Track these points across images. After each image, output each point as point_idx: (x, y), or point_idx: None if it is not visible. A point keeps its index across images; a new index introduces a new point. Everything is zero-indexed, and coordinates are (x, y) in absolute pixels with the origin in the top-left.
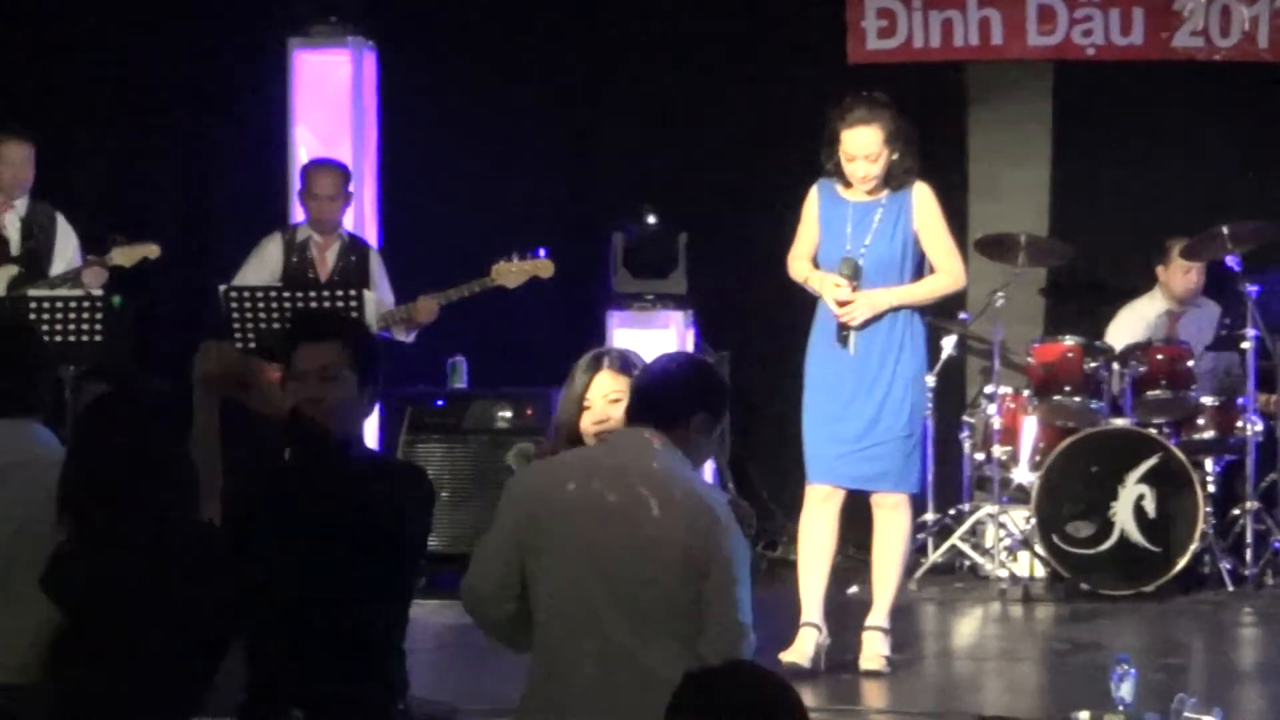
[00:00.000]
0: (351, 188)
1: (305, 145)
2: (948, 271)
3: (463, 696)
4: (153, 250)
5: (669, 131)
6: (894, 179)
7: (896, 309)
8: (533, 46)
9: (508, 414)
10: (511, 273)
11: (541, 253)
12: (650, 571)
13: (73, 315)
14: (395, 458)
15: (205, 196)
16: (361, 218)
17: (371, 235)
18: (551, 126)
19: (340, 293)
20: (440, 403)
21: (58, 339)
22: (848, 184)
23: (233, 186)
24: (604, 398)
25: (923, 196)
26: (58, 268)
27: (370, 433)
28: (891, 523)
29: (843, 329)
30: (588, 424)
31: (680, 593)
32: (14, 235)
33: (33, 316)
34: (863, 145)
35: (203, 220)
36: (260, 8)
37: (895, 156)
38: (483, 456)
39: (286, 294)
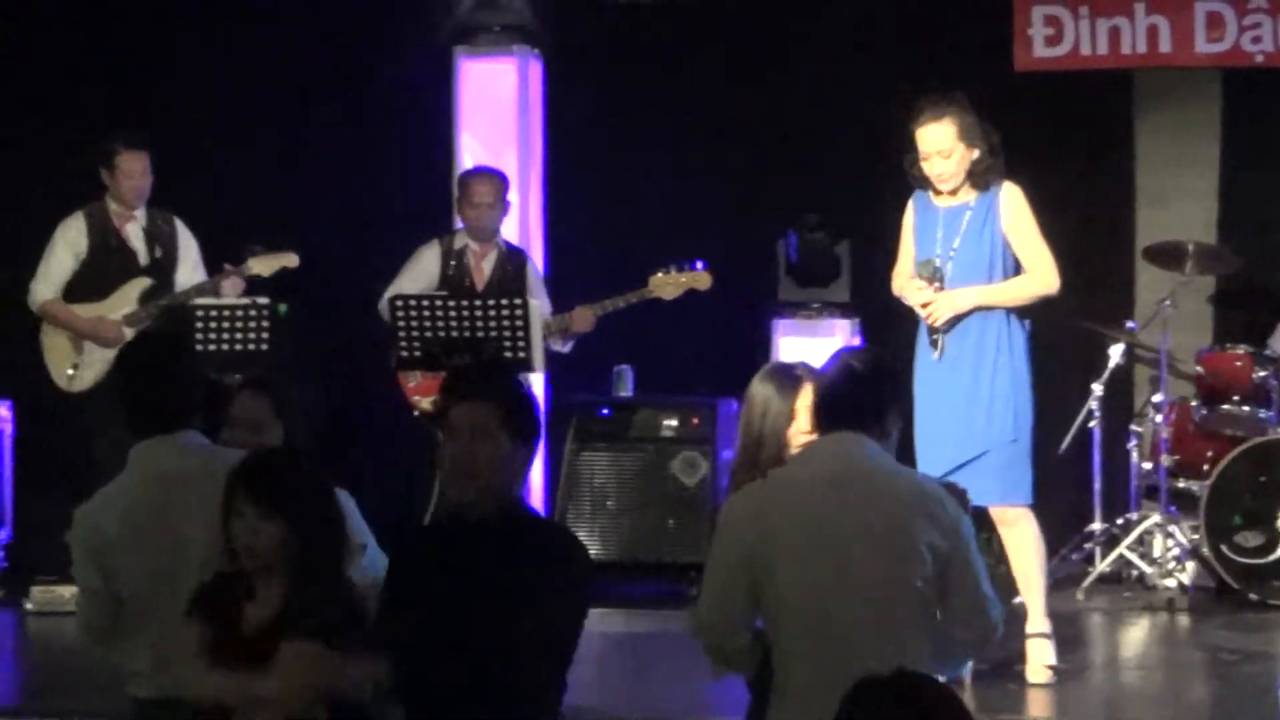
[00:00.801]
0: (510, 196)
1: (470, 154)
2: (1036, 273)
3: (626, 705)
4: (291, 260)
5: (834, 140)
6: (978, 178)
7: (987, 311)
8: (698, 56)
9: (673, 422)
10: (668, 285)
11: (699, 265)
12: (895, 570)
13: (239, 324)
14: (555, 523)
15: (370, 205)
16: (527, 226)
17: (537, 244)
18: (715, 136)
19: (505, 301)
20: (606, 412)
21: (224, 347)
22: (939, 191)
23: (398, 195)
24: (807, 409)
25: (1010, 197)
26: (183, 273)
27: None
28: (1016, 539)
29: (931, 332)
30: (795, 436)
31: (924, 587)
32: (140, 246)
33: (199, 325)
34: (934, 141)
35: (368, 229)
36: (427, 17)
37: (975, 155)
38: (648, 465)
39: (452, 302)
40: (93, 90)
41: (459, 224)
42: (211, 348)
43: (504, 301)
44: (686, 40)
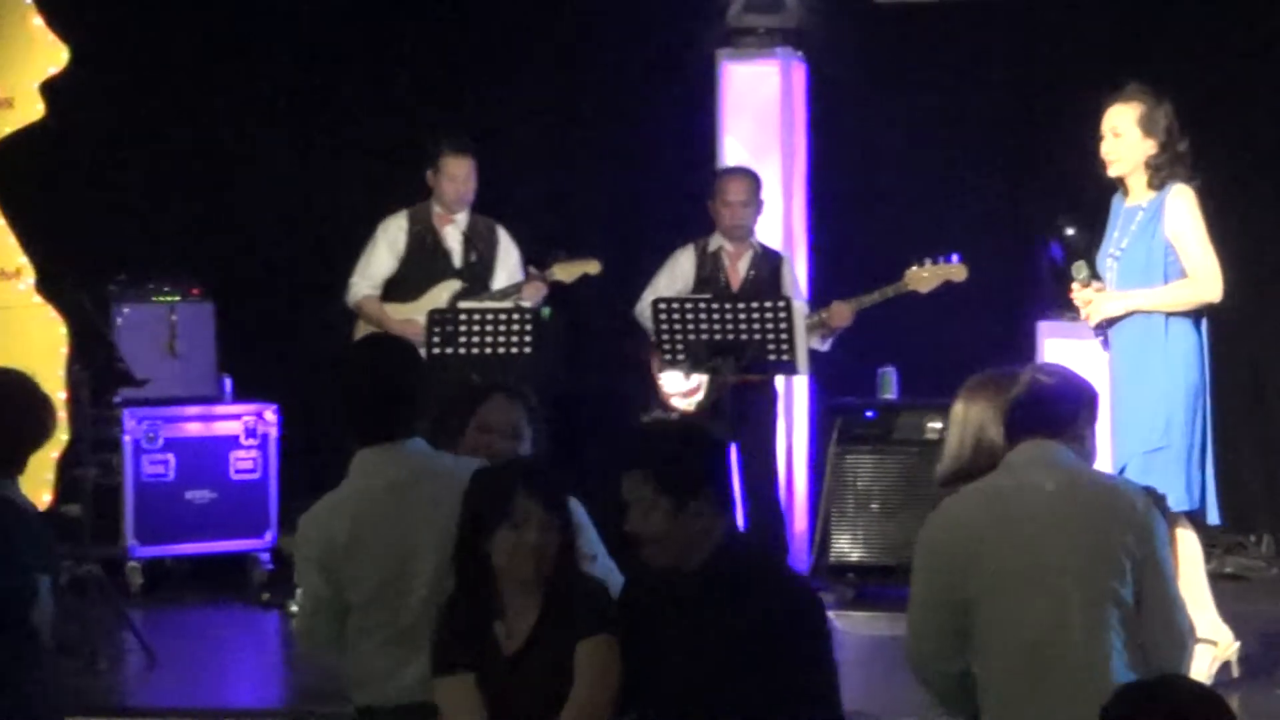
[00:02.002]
0: (764, 195)
1: (734, 156)
2: (1194, 279)
3: (892, 709)
4: (593, 266)
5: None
6: (1153, 176)
7: (1146, 315)
8: (957, 56)
9: (937, 425)
10: (924, 278)
11: (954, 258)
12: (1095, 574)
13: (503, 327)
14: (795, 579)
15: (635, 209)
16: (790, 227)
17: (800, 244)
18: (981, 135)
19: (769, 303)
20: (871, 414)
21: (487, 350)
22: (1127, 190)
23: (663, 198)
24: None
25: (1176, 201)
26: (499, 281)
27: (801, 444)
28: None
29: (1096, 331)
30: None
31: (1123, 591)
32: (456, 248)
33: (463, 328)
34: (1111, 118)
35: (633, 233)
36: (690, 21)
37: (1150, 148)
38: (912, 468)
39: (715, 305)
40: (427, 96)
41: (720, 226)
42: (474, 351)
43: (767, 304)
44: (946, 37)
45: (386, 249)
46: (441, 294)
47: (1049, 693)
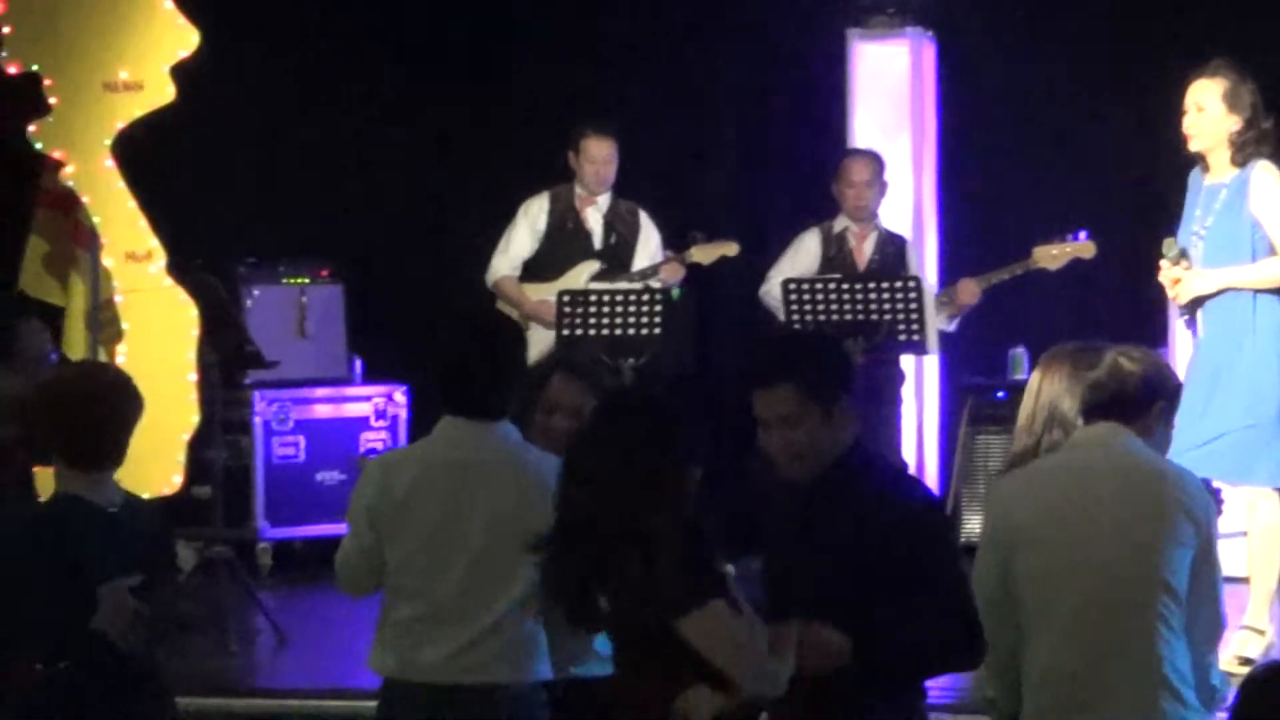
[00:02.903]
0: (886, 176)
1: (863, 137)
2: None
3: None
4: (731, 248)
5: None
6: (1236, 153)
7: (1235, 292)
8: (1097, 37)
9: None
10: (1052, 255)
11: (1082, 235)
12: (1144, 563)
13: (632, 308)
14: (920, 487)
15: (765, 189)
16: (920, 206)
17: (930, 223)
18: (1113, 114)
19: (899, 283)
20: (1002, 395)
21: (617, 331)
22: (1207, 167)
23: (793, 177)
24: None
25: (1262, 178)
26: (640, 261)
27: (932, 424)
28: (1252, 523)
29: (1183, 312)
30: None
31: (1172, 580)
32: (597, 230)
33: (593, 309)
34: (1194, 93)
35: (762, 213)
36: (820, 0)
37: (1235, 124)
38: None
39: (845, 285)
40: (567, 77)
41: (844, 208)
42: (605, 332)
43: (897, 283)
44: (1076, 19)
45: (527, 229)
46: (580, 274)
47: (1096, 677)
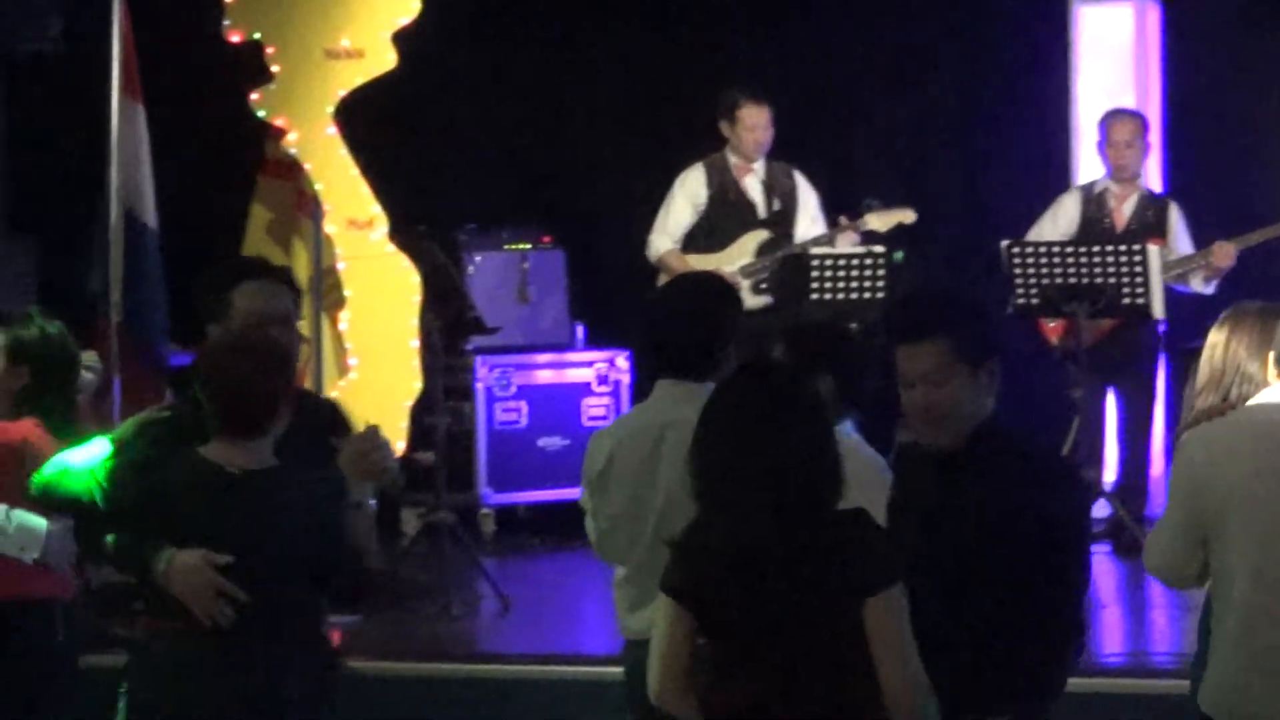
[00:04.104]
0: (1150, 138)
1: (1086, 101)
2: None
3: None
4: (908, 215)
5: None
6: None
7: None
8: None
9: None
10: None
11: None
12: None
13: (854, 272)
14: (1059, 458)
15: (984, 153)
16: (1145, 170)
17: (1154, 187)
18: None
19: (1124, 247)
20: None
21: (839, 296)
22: None
23: (1012, 143)
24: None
25: None
26: (802, 226)
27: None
28: None
29: None
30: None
31: None
32: (758, 198)
33: (814, 274)
34: None
35: (982, 176)
36: None
37: None
38: None
39: (1070, 249)
40: (718, 42)
41: (1106, 169)
42: (828, 296)
43: (1121, 247)
44: None
45: (686, 202)
46: (748, 244)
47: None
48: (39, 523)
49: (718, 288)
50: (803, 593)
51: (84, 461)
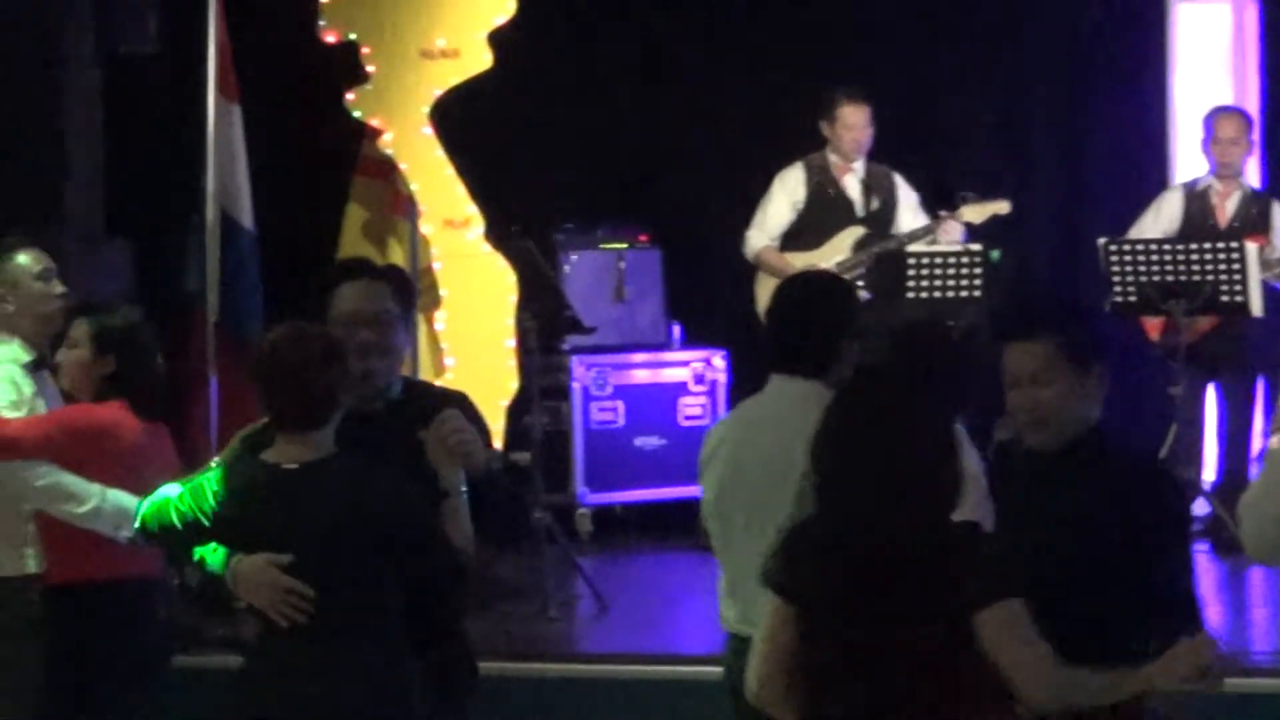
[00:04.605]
0: (1254, 136)
1: (1184, 100)
2: None
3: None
4: (1003, 207)
5: None
6: None
7: None
8: None
9: None
10: None
11: None
12: None
13: (951, 270)
14: (1162, 466)
15: (1083, 150)
16: (1243, 173)
17: (1253, 184)
18: None
19: (1221, 245)
20: None
21: (936, 294)
22: None
23: (1110, 140)
24: None
25: None
26: (902, 222)
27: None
28: None
29: None
30: None
31: None
32: (857, 196)
33: (911, 272)
34: None
35: (1080, 173)
36: None
37: None
38: None
39: (1167, 246)
40: (815, 42)
41: (1210, 166)
42: (924, 295)
43: (1219, 245)
44: None
45: (785, 201)
46: (844, 240)
47: None
48: (133, 502)
49: (839, 286)
50: (910, 601)
51: (180, 488)
